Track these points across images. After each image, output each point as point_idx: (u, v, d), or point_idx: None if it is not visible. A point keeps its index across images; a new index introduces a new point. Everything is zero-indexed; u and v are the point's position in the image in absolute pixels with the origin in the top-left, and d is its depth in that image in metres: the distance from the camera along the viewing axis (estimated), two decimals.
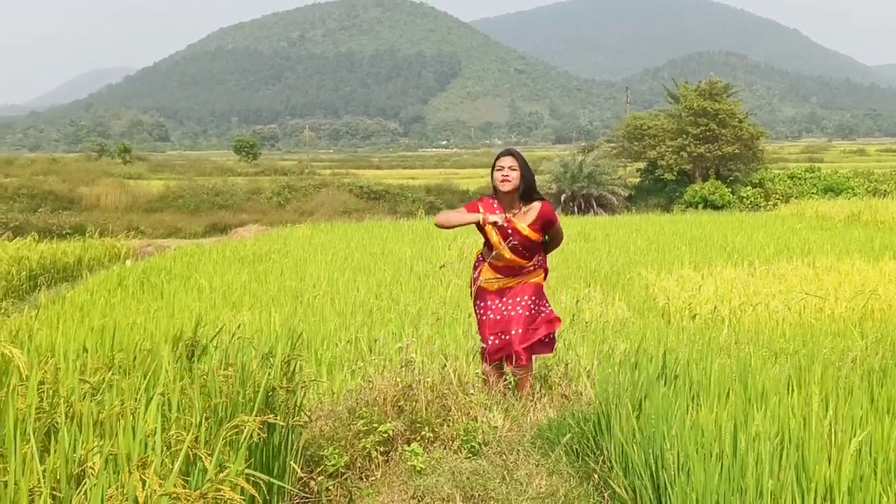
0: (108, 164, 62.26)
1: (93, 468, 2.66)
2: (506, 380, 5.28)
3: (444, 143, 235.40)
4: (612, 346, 6.92)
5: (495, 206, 5.35)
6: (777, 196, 38.11)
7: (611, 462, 3.89)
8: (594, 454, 4.13)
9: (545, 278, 5.51)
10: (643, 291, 12.13)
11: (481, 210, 5.30)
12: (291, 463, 3.74)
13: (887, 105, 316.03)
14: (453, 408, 4.63)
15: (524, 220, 5.26)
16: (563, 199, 38.28)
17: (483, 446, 4.41)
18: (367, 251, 18.11)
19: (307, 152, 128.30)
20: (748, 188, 39.23)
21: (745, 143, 40.63)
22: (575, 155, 41.48)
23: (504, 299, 5.32)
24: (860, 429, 3.50)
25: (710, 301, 10.51)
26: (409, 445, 4.32)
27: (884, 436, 3.50)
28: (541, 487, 3.97)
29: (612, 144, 46.12)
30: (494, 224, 5.16)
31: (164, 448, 2.91)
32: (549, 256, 5.59)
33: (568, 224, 24.16)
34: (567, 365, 5.74)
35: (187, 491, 2.67)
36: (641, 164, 43.96)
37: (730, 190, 38.60)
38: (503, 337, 5.26)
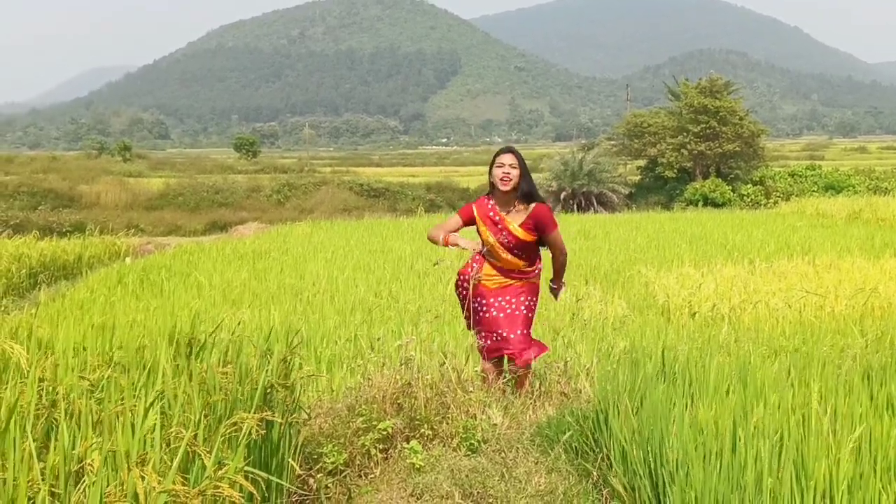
0: (109, 161, 62.27)
1: (91, 465, 2.66)
2: (505, 377, 5.27)
3: (445, 140, 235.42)
4: (611, 343, 6.92)
5: (489, 206, 5.28)
6: (778, 194, 38.10)
7: (610, 460, 3.89)
8: (593, 452, 4.12)
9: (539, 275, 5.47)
10: (643, 289, 12.12)
11: (473, 210, 5.27)
12: (290, 460, 3.73)
13: (888, 102, 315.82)
14: (452, 405, 4.63)
15: (516, 219, 5.19)
16: (563, 196, 38.25)
17: (482, 444, 4.41)
18: (367, 249, 18.12)
19: (307, 150, 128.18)
20: (749, 186, 39.21)
21: (745, 141, 40.59)
22: (575, 153, 41.43)
23: (507, 297, 5.25)
24: (859, 427, 3.50)
25: (709, 299, 10.51)
26: (408, 443, 4.32)
27: (883, 433, 3.50)
28: (540, 485, 3.97)
29: (612, 142, 46.08)
30: (485, 246, 5.14)
31: (164, 445, 2.91)
32: (543, 255, 5.52)
33: (568, 222, 24.17)
34: (566, 363, 5.73)
35: (186, 488, 2.67)
36: (642, 162, 43.92)
37: (730, 188, 38.59)
38: (503, 335, 5.21)
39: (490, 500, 3.87)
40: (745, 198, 37.99)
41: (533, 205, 5.18)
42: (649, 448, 3.59)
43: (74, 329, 4.62)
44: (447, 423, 4.53)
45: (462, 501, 3.86)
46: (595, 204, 38.27)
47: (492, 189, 5.30)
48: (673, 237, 19.58)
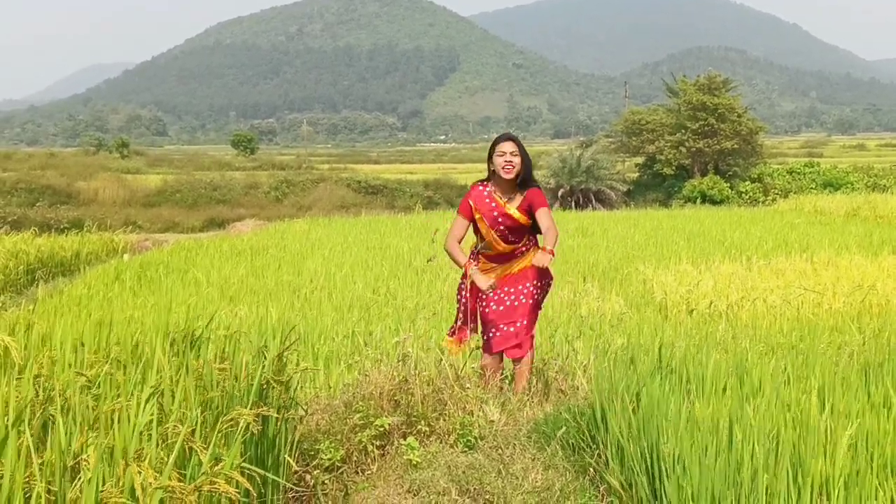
0: (106, 158, 62.26)
1: (87, 461, 2.65)
2: (502, 374, 5.27)
3: (443, 137, 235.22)
4: (608, 340, 6.92)
5: (486, 192, 5.26)
6: (776, 191, 38.11)
7: (607, 456, 3.89)
8: (590, 448, 4.13)
9: None
10: (641, 286, 12.12)
11: (470, 204, 5.24)
12: (286, 457, 3.73)
13: (887, 100, 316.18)
14: (449, 402, 4.62)
15: (513, 203, 5.17)
16: (561, 194, 38.24)
17: (479, 440, 4.41)
18: (365, 246, 18.11)
19: (305, 147, 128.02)
20: (747, 183, 39.22)
21: (743, 138, 40.60)
22: (573, 150, 41.43)
23: (507, 289, 5.24)
24: (856, 423, 3.50)
25: (707, 296, 10.51)
26: (405, 439, 4.32)
27: (880, 430, 3.50)
28: (537, 481, 3.97)
29: (610, 139, 46.09)
30: (490, 287, 5.13)
31: (160, 441, 2.91)
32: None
33: (566, 219, 24.17)
34: (564, 359, 5.73)
35: (182, 484, 2.66)
36: (640, 159, 43.93)
37: (728, 185, 38.61)
38: (506, 329, 5.20)
39: (487, 497, 3.86)
40: (743, 195, 38.01)
41: (527, 190, 5.17)
42: (646, 444, 3.59)
43: (72, 325, 4.61)
44: (444, 420, 4.53)
45: (459, 498, 3.86)
46: (593, 201, 38.26)
47: (490, 176, 5.27)
48: (671, 234, 19.59)
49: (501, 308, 5.22)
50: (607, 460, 3.87)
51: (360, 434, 4.28)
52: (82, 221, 26.67)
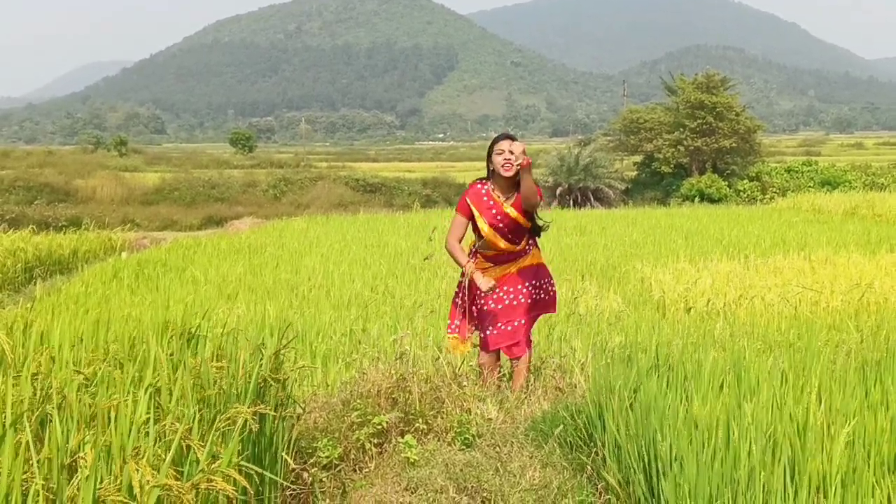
0: (104, 156, 62.23)
1: (84, 459, 2.65)
2: (500, 372, 5.27)
3: (441, 136, 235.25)
4: (606, 338, 6.92)
5: (483, 191, 5.26)
6: (774, 189, 38.13)
7: (604, 454, 3.89)
8: (588, 446, 4.13)
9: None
10: (639, 284, 12.13)
11: (468, 202, 5.24)
12: (283, 454, 3.73)
13: (886, 98, 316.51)
14: (447, 400, 4.62)
15: (510, 202, 5.17)
16: (559, 192, 38.26)
17: (477, 438, 4.41)
18: (363, 244, 18.11)
19: (303, 145, 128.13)
20: (745, 181, 39.24)
21: (742, 137, 40.62)
22: (571, 148, 41.44)
23: (505, 287, 5.24)
24: (853, 421, 3.50)
25: (705, 294, 10.51)
26: (402, 437, 4.32)
27: (877, 428, 3.50)
28: (534, 479, 3.97)
29: (608, 138, 46.10)
30: (490, 289, 5.13)
31: (157, 439, 2.91)
32: (541, 245, 5.51)
33: (564, 217, 24.17)
34: (562, 357, 5.74)
35: (179, 483, 2.66)
36: (638, 158, 43.94)
37: (726, 183, 38.62)
38: (503, 328, 5.21)
39: (484, 495, 3.86)
40: (741, 193, 38.03)
41: None
42: (643, 442, 3.60)
43: (70, 324, 4.61)
44: (442, 418, 4.53)
45: (456, 496, 3.86)
46: (591, 199, 38.28)
47: (490, 175, 5.27)
48: (669, 233, 19.59)
49: (500, 306, 5.22)
50: (605, 458, 3.87)
51: (357, 432, 4.28)
52: (80, 219, 26.64)
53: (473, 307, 5.32)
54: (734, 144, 40.27)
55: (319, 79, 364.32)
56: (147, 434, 2.87)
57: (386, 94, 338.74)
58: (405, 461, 4.15)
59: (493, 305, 5.23)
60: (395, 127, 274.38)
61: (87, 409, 3.04)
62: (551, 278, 5.46)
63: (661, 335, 7.16)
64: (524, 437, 4.41)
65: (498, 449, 4.28)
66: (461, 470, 4.01)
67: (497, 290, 5.21)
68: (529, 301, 5.26)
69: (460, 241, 5.33)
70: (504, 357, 5.35)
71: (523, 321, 5.20)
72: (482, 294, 5.21)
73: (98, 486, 2.58)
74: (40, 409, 3.06)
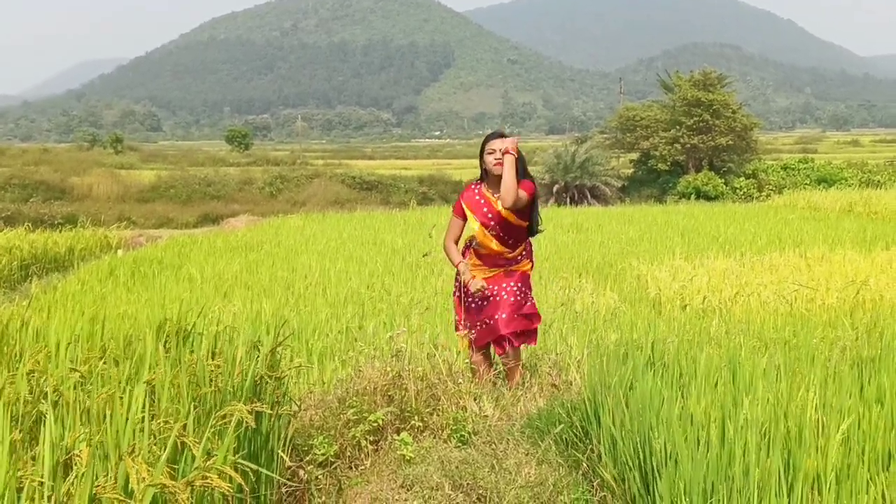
0: (100, 154, 62.11)
1: (79, 456, 2.65)
2: (495, 369, 5.27)
3: (437, 133, 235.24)
4: (602, 336, 6.92)
5: (476, 190, 5.26)
6: (770, 187, 38.16)
7: (600, 451, 3.89)
8: (583, 443, 4.13)
9: (531, 269, 5.43)
10: (635, 282, 12.14)
11: (462, 204, 5.24)
12: (279, 451, 3.73)
13: (882, 96, 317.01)
14: (443, 397, 4.63)
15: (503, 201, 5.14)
16: (555, 190, 38.27)
17: (472, 435, 4.41)
18: (359, 242, 18.10)
19: (299, 142, 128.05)
20: (741, 179, 39.27)
21: (738, 134, 40.65)
22: (568, 146, 41.45)
23: (492, 287, 5.24)
24: (848, 418, 3.51)
25: (701, 291, 10.52)
26: (398, 435, 4.32)
27: (872, 424, 3.51)
28: (530, 476, 3.97)
29: (605, 135, 46.12)
30: (479, 289, 5.14)
31: (153, 436, 2.91)
32: (535, 248, 5.51)
33: (560, 215, 24.19)
34: (557, 354, 5.74)
35: (174, 482, 2.66)
36: (635, 155, 43.94)
37: (723, 181, 38.65)
38: (488, 322, 5.22)
39: (480, 492, 3.87)
40: (737, 191, 38.06)
41: (519, 182, 5.10)
42: (639, 439, 3.60)
43: (66, 321, 4.61)
44: (437, 415, 4.53)
45: (452, 493, 3.87)
46: (588, 197, 38.30)
47: (483, 175, 5.27)
48: (665, 230, 19.61)
49: (485, 303, 5.23)
50: (600, 455, 3.88)
51: (353, 429, 4.28)
52: (76, 217, 26.60)
53: (466, 305, 5.33)
54: (731, 142, 40.29)
55: (316, 76, 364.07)
56: (143, 431, 2.87)
57: (382, 92, 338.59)
58: (401, 458, 4.15)
59: (480, 302, 5.24)
60: (391, 124, 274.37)
61: (82, 406, 3.04)
62: (531, 291, 5.43)
63: (657, 332, 7.15)
64: (520, 434, 4.41)
65: (494, 446, 4.28)
66: (457, 467, 4.01)
67: (483, 289, 5.21)
68: (513, 300, 5.23)
69: (457, 242, 5.34)
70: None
71: (504, 316, 5.18)
72: (471, 293, 5.22)
73: (94, 484, 2.57)
74: (35, 406, 3.06)
